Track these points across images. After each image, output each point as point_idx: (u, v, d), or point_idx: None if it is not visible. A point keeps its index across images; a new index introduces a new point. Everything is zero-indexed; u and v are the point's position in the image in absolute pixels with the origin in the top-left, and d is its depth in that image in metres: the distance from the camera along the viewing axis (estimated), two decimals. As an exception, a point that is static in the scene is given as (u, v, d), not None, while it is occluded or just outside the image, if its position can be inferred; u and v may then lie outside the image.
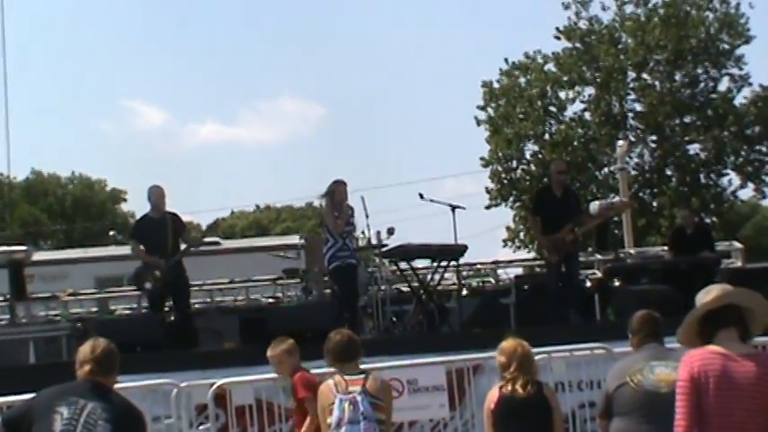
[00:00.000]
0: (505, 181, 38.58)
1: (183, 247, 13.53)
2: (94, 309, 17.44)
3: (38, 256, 19.82)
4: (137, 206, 59.47)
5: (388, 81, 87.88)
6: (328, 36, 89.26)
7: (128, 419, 5.90)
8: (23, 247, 17.43)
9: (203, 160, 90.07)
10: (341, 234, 13.26)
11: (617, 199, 22.70)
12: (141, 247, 13.55)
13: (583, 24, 37.76)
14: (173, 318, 13.76)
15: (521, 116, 38.00)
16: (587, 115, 37.95)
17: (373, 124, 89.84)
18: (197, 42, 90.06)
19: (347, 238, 13.40)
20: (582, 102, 38.08)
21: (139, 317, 15.25)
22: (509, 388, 7.06)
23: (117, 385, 6.14)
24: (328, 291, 14.39)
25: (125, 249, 28.45)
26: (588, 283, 16.22)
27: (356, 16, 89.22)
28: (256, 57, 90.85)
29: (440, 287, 15.02)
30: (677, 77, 37.12)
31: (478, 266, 19.76)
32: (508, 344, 7.29)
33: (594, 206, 16.04)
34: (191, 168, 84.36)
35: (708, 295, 5.73)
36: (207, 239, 15.30)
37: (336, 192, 13.42)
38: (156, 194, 13.50)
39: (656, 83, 37.20)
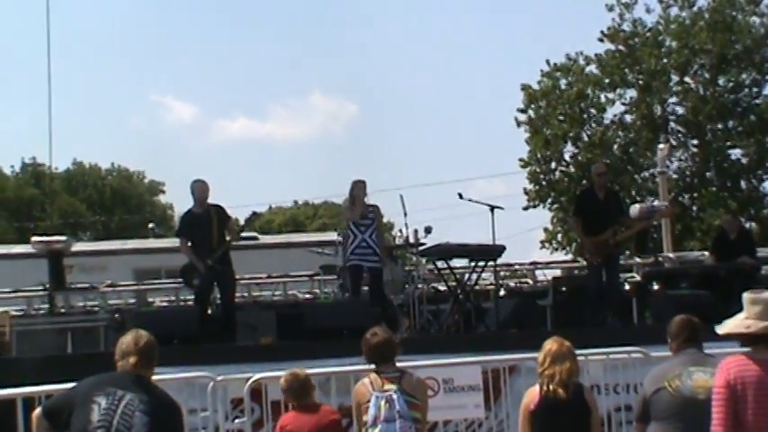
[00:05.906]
0: (544, 182, 38.47)
1: (228, 239, 13.43)
2: (132, 300, 17.50)
3: (77, 246, 19.90)
4: (174, 198, 59.89)
5: (425, 80, 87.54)
6: (362, 33, 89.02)
7: (165, 411, 5.94)
8: (63, 238, 17.52)
9: (236, 155, 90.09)
10: (357, 225, 13.47)
11: (659, 204, 22.48)
12: (189, 244, 13.44)
13: (627, 27, 37.60)
14: (213, 311, 13.79)
15: (560, 118, 37.91)
16: (628, 118, 37.79)
17: (406, 124, 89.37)
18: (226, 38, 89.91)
19: (367, 234, 13.53)
20: (623, 104, 37.95)
21: (177, 309, 15.30)
22: (550, 389, 7.02)
23: (153, 377, 6.17)
24: (366, 288, 14.39)
25: (163, 242, 28.76)
26: (627, 287, 16.14)
27: (393, 13, 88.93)
28: (286, 53, 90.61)
29: (477, 287, 14.98)
30: (721, 82, 36.85)
31: (516, 267, 19.69)
32: (546, 342, 7.29)
33: (635, 209, 15.98)
34: (223, 163, 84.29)
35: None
36: (245, 234, 15.27)
37: (354, 188, 13.70)
38: (199, 189, 13.42)
39: (699, 87, 36.94)
